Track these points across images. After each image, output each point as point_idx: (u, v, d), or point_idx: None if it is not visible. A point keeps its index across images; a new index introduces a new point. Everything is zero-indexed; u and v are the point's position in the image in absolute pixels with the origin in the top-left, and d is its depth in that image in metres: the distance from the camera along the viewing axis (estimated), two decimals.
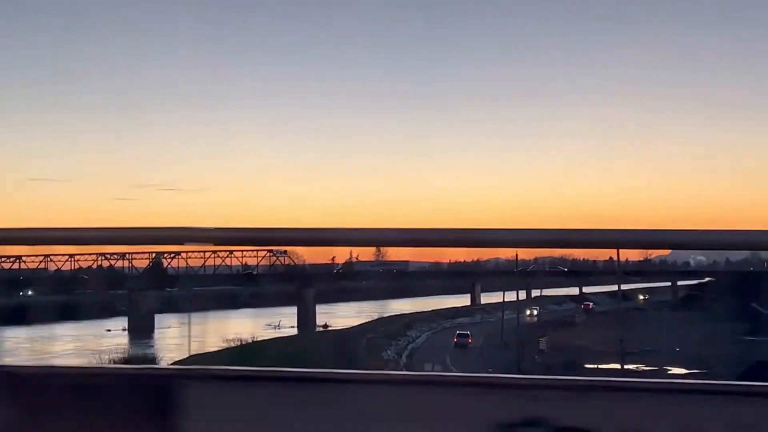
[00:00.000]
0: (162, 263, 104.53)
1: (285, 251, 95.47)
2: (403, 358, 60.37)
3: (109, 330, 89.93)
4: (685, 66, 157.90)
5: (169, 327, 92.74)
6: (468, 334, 70.17)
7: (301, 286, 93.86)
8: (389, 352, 61.60)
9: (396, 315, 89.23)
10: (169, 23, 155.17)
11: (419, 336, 72.27)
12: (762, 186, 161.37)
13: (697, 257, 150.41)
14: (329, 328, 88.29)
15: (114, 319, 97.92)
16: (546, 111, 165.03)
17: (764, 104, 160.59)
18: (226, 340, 75.17)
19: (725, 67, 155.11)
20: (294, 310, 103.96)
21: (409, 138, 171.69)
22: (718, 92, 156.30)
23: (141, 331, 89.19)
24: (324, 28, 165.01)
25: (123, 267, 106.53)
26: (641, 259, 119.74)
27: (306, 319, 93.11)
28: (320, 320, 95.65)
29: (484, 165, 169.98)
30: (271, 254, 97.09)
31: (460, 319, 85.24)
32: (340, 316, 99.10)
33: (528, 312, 79.07)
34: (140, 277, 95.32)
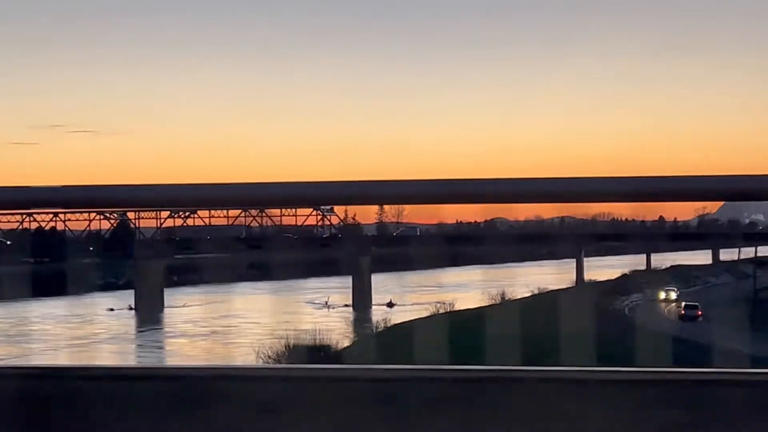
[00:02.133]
0: (128, 224, 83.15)
1: (331, 208, 75.07)
2: None
3: (111, 309, 69.06)
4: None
5: (183, 305, 71.77)
6: (697, 306, 58.85)
7: (357, 253, 73.54)
8: None
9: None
10: None
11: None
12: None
13: (754, 216, 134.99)
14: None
15: (101, 294, 76.78)
16: (543, 53, 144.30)
17: None
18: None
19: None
20: (327, 282, 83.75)
21: (372, 78, 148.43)
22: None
23: (151, 309, 68.67)
24: None
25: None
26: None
27: (363, 295, 72.94)
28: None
29: (470, 112, 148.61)
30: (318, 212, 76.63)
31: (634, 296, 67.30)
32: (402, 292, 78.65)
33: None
34: (148, 239, 74.31)
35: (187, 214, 76.30)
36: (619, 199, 2.63)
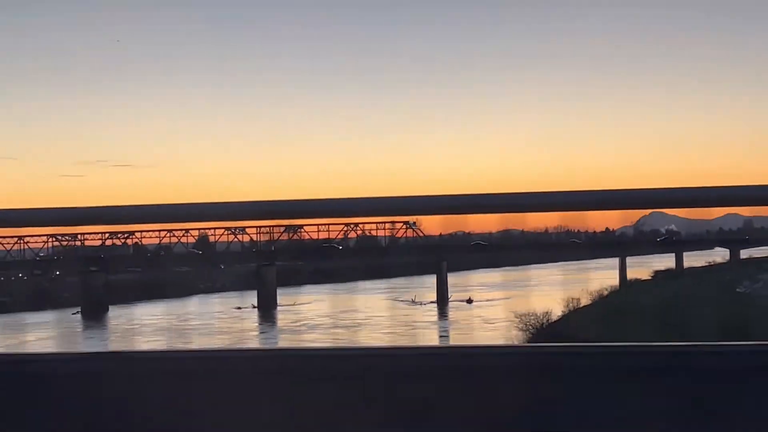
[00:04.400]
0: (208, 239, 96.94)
1: (414, 222, 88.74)
2: None
3: (239, 308, 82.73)
4: None
5: (293, 303, 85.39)
6: None
7: (438, 259, 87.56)
8: None
9: None
10: None
11: None
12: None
13: (667, 227, 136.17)
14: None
15: (213, 295, 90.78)
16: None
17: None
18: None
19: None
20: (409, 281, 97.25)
21: (371, 111, 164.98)
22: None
23: (269, 308, 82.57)
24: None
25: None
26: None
27: (442, 293, 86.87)
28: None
29: (453, 133, 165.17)
30: (406, 226, 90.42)
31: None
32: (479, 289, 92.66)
33: None
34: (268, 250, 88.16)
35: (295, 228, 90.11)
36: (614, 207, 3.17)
